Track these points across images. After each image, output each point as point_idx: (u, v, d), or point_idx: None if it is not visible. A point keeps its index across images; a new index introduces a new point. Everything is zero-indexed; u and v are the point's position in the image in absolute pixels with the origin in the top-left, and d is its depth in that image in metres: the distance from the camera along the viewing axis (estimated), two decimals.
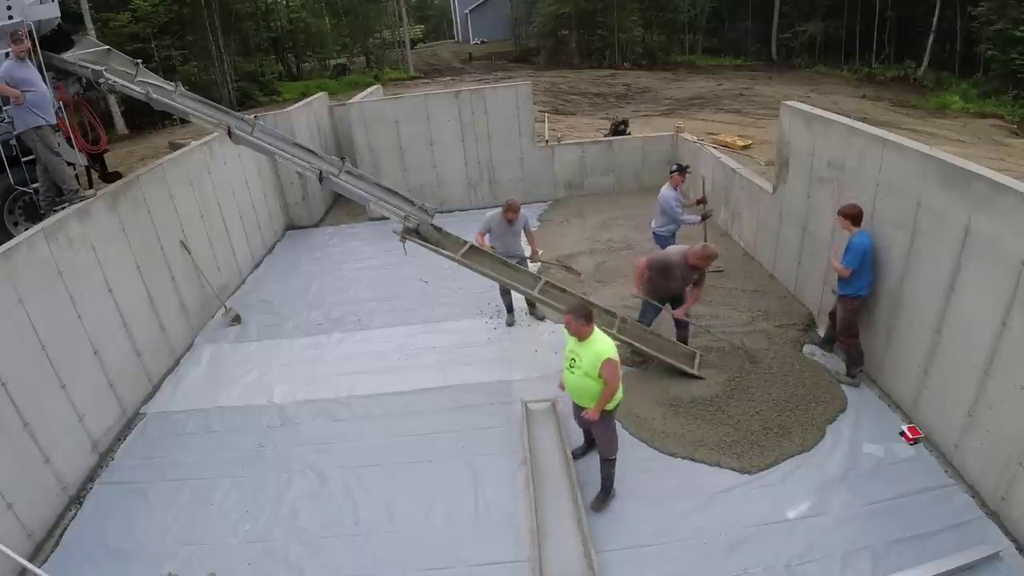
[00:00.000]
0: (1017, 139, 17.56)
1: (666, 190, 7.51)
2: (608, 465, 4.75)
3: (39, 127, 6.19)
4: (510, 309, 7.53)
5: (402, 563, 4.53)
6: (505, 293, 7.33)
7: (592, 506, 4.77)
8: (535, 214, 11.22)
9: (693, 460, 5.20)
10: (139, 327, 6.61)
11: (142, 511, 5.16)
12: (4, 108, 7.51)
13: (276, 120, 10.21)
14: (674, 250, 6.25)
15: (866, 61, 31.44)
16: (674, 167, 7.76)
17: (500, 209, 7.00)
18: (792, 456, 5.16)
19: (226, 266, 8.90)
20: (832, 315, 6.12)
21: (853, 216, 5.53)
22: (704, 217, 7.67)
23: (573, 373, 4.42)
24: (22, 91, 5.99)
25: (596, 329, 4.38)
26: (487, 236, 6.99)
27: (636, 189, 11.96)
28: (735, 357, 6.30)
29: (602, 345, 4.31)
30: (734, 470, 5.06)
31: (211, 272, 8.34)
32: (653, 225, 7.73)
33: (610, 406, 4.51)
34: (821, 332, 6.75)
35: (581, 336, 4.35)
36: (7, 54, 7.82)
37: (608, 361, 4.25)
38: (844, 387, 5.88)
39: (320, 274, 9.46)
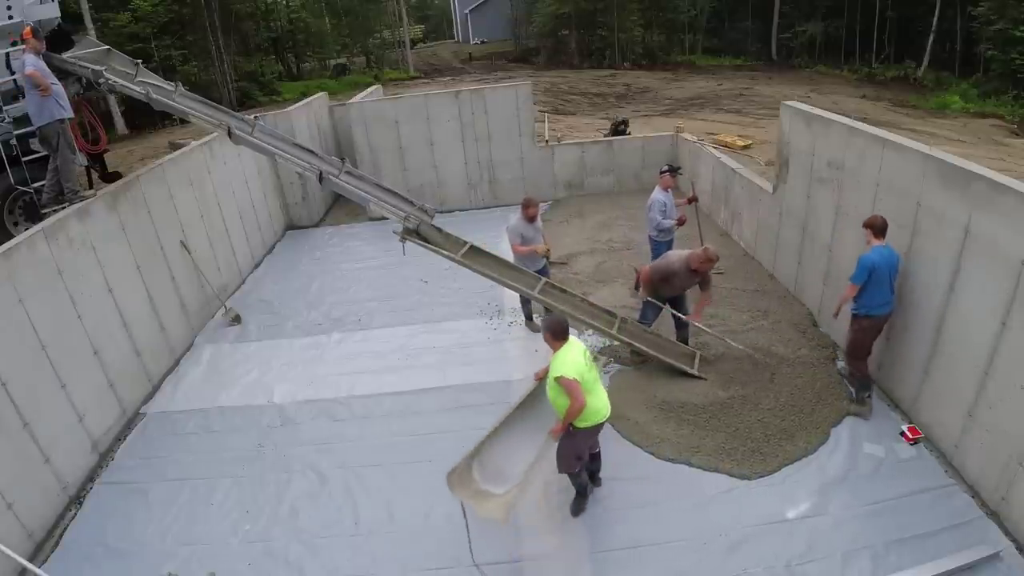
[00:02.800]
0: (1017, 139, 17.56)
1: (656, 193, 7.43)
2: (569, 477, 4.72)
3: (63, 120, 6.22)
4: (530, 317, 7.42)
5: (402, 563, 4.54)
6: (525, 303, 7.23)
7: (571, 510, 4.79)
8: None
9: (690, 466, 5.17)
10: (139, 327, 6.61)
11: (142, 511, 5.16)
12: (4, 108, 7.53)
13: (276, 120, 10.21)
14: (675, 256, 6.24)
15: (866, 61, 31.43)
16: (664, 167, 7.71)
17: (519, 215, 6.85)
18: (795, 461, 5.10)
19: (226, 266, 8.90)
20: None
21: (873, 227, 5.13)
22: (690, 200, 7.68)
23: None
24: (49, 83, 6.04)
25: (568, 343, 4.32)
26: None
27: (636, 189, 11.94)
28: (747, 366, 6.15)
29: (557, 362, 4.27)
30: (733, 476, 5.02)
31: (211, 272, 8.34)
32: (648, 230, 7.64)
33: (581, 424, 4.35)
34: (833, 341, 6.75)
35: (553, 349, 4.38)
36: (7, 53, 7.85)
37: (560, 379, 4.18)
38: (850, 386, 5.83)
39: (320, 274, 9.46)
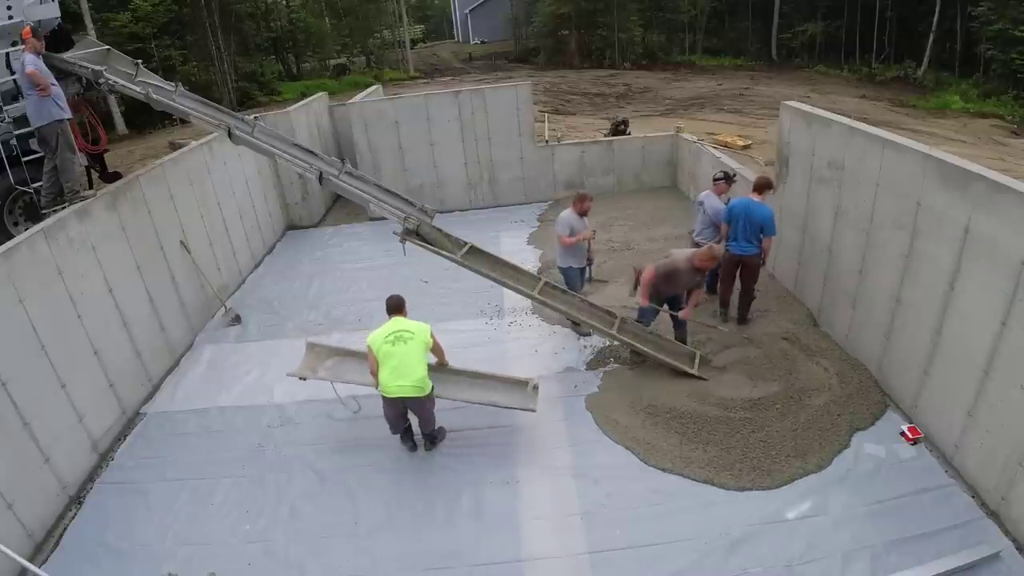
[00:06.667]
0: (1017, 139, 17.57)
1: (716, 201, 7.06)
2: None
3: (61, 120, 6.22)
4: (577, 323, 7.17)
5: (402, 563, 4.54)
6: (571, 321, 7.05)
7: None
8: (534, 214, 11.24)
9: (683, 477, 5.06)
10: (139, 327, 6.60)
11: (142, 511, 5.16)
12: (4, 108, 7.53)
13: (276, 120, 10.20)
14: (679, 254, 6.23)
15: (866, 61, 31.44)
16: (720, 174, 7.33)
17: (569, 210, 6.82)
18: (807, 476, 4.95)
19: (226, 266, 8.90)
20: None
21: (756, 186, 6.64)
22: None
23: None
24: (49, 83, 6.04)
25: (394, 319, 5.19)
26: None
27: (636, 189, 11.96)
28: (761, 376, 6.02)
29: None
30: (729, 489, 4.90)
31: (211, 272, 8.34)
32: (695, 234, 7.32)
33: (381, 390, 5.12)
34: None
35: None
36: (7, 53, 7.86)
37: None
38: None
39: (320, 274, 9.46)
